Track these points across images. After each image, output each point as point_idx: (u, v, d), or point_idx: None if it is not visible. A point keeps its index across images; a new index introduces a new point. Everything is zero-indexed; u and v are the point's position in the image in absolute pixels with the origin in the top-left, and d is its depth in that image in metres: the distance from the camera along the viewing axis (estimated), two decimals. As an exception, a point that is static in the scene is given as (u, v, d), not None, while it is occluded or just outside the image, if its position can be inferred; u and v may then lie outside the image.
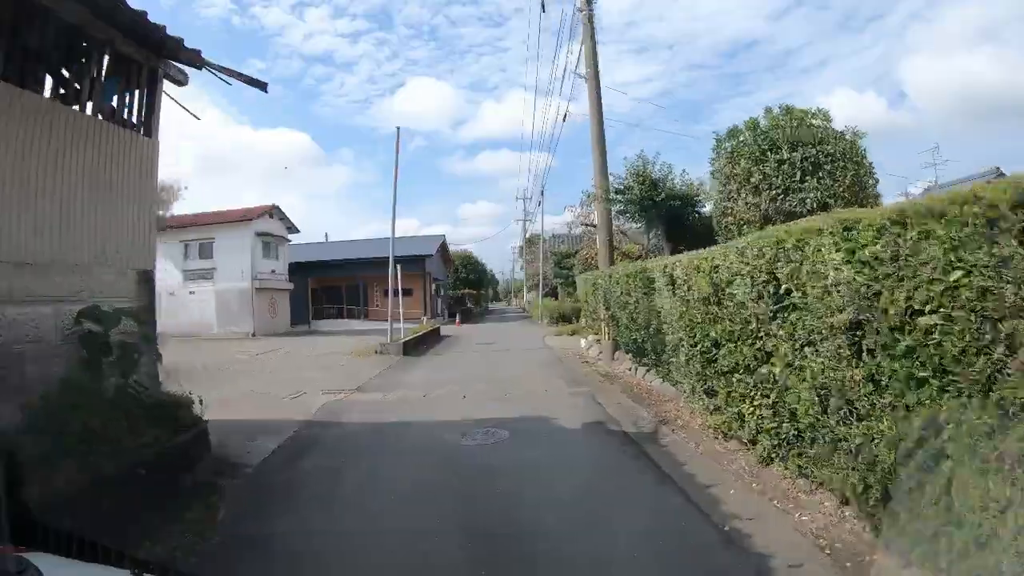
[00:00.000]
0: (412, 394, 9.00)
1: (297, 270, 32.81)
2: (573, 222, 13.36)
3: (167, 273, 29.13)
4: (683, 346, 5.71)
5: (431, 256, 30.94)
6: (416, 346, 15.86)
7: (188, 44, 5.92)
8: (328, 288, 34.87)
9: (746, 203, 6.65)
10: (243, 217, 28.42)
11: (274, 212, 29.95)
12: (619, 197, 10.72)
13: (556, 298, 33.68)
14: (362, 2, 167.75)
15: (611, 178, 10.95)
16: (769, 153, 6.80)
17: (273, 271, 29.47)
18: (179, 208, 33.34)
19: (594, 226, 13.19)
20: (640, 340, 7.99)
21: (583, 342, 14.18)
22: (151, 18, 5.27)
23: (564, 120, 17.25)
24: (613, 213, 11.08)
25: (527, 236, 47.51)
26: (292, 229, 31.69)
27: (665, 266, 6.07)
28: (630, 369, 10.06)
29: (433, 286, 34.56)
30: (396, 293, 17.90)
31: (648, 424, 6.61)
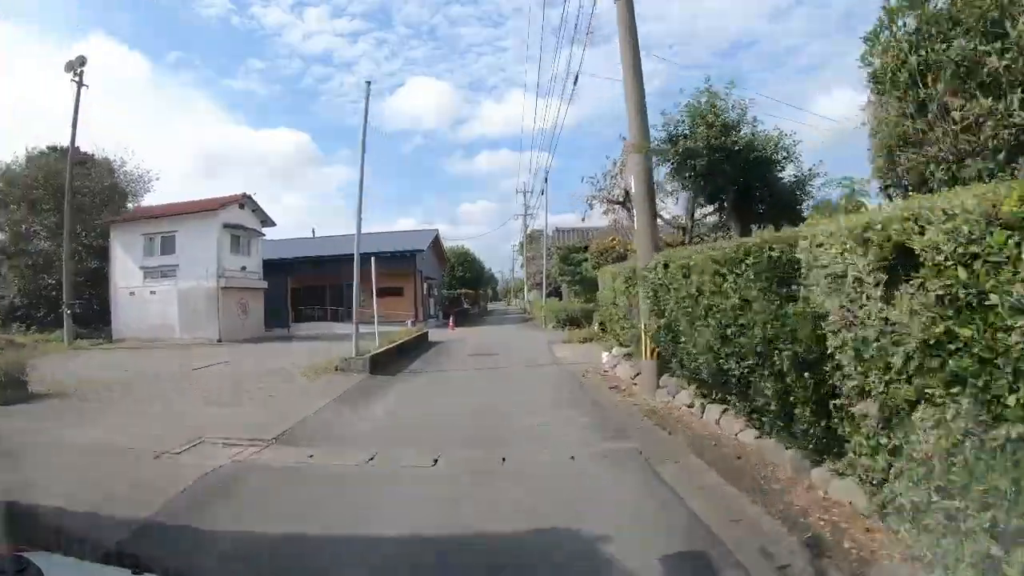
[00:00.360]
0: (352, 456, 5.54)
1: (275, 268, 29.45)
2: (595, 195, 9.93)
3: (126, 270, 25.84)
4: (945, 413, 2.30)
5: (422, 252, 27.52)
6: (390, 360, 12.42)
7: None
8: (310, 288, 31.44)
9: (972, 115, 3.33)
10: (208, 207, 25.02)
11: (245, 202, 26.53)
12: (669, 148, 7.29)
13: (560, 298, 30.28)
14: (361, 2, 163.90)
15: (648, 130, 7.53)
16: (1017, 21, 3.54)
17: (244, 268, 26.05)
18: (157, 202, 30.31)
19: (619, 203, 9.78)
20: (738, 371, 4.57)
21: (605, 356, 10.77)
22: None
23: (575, 83, 13.89)
24: (658, 179, 7.75)
25: (528, 232, 44.04)
26: (267, 222, 28.28)
27: (886, 223, 2.61)
28: (691, 406, 6.63)
29: (424, 285, 31.14)
30: (373, 292, 14.52)
31: (797, 560, 3.19)
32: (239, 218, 26.02)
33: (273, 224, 28.50)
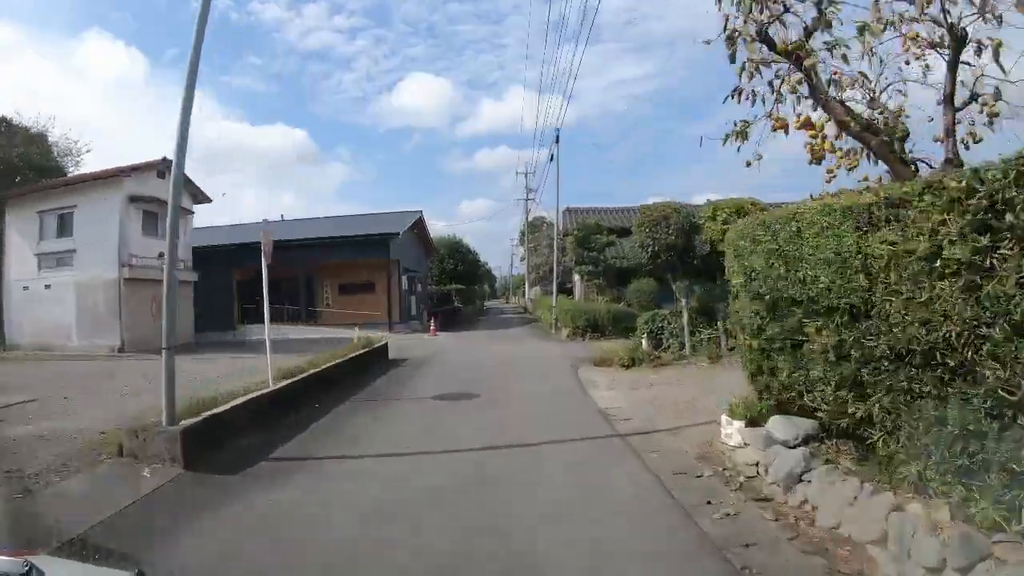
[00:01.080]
0: None
1: (217, 258, 23.24)
2: (755, 19, 3.63)
3: (22, 259, 19.58)
4: None
5: (396, 237, 21.10)
6: (261, 421, 6.05)
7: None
8: (259, 282, 24.98)
9: None
10: (110, 175, 18.69)
11: (167, 170, 20.13)
12: None
13: (570, 295, 23.93)
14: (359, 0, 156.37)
15: None
16: None
17: (162, 255, 19.65)
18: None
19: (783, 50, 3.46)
20: None
21: (734, 430, 4.49)
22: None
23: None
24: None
25: (528, 219, 37.76)
26: (199, 198, 21.88)
27: None
28: None
29: (404, 279, 24.82)
30: (264, 284, 8.37)
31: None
32: (157, 190, 19.64)
33: (208, 200, 22.09)
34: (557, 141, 17.64)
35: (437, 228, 44.24)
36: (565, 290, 30.98)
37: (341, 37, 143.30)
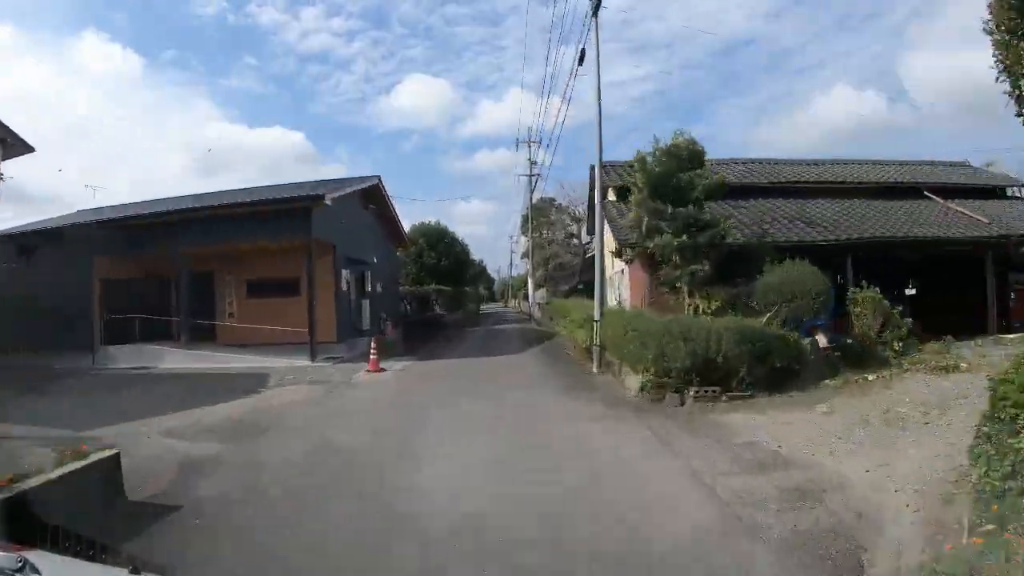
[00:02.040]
0: None
1: (67, 243, 14.89)
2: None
3: None
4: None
5: (321, 202, 12.55)
6: None
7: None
8: (138, 282, 16.52)
9: None
10: None
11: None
12: None
13: (590, 296, 15.23)
14: (357, 1, 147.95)
15: None
16: None
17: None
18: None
19: None
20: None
21: None
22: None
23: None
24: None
25: (532, 202, 29.33)
26: (11, 144, 13.34)
27: None
28: None
29: (351, 275, 16.40)
30: None
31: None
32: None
33: (30, 149, 13.60)
34: (595, 13, 9.17)
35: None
36: (577, 291, 22.53)
37: (339, 40, 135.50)
